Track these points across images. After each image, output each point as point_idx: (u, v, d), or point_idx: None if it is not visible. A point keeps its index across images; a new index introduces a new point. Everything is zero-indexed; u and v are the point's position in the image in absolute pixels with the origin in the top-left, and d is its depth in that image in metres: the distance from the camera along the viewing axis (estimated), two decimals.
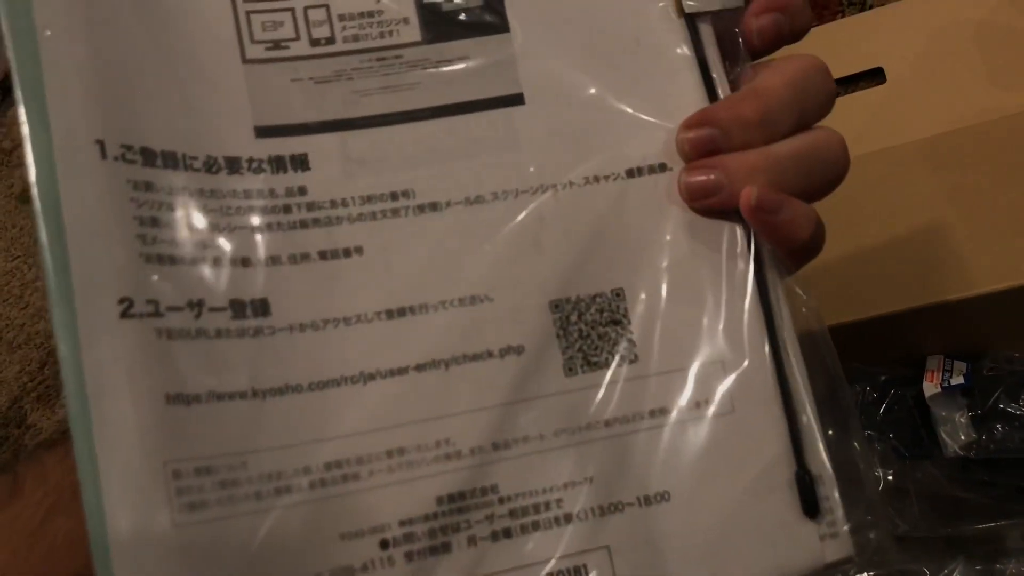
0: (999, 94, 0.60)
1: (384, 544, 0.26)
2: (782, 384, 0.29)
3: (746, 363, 0.29)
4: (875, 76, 0.65)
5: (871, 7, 0.69)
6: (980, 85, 0.61)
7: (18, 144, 1.42)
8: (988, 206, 0.56)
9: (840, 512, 0.28)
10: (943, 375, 0.53)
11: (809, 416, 0.29)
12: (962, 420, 0.52)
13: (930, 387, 0.53)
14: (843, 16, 0.69)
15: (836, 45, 0.67)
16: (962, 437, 0.52)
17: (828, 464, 0.29)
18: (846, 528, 0.28)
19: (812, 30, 0.68)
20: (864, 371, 0.56)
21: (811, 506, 0.28)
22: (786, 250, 0.29)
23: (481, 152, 0.30)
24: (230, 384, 0.26)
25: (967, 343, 0.55)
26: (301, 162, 0.29)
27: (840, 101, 0.66)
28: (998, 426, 0.51)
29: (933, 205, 0.57)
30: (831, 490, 0.29)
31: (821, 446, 0.29)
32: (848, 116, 0.65)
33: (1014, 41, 0.61)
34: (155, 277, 0.26)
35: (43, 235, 0.24)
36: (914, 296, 0.54)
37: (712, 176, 0.29)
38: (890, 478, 0.53)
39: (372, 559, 0.26)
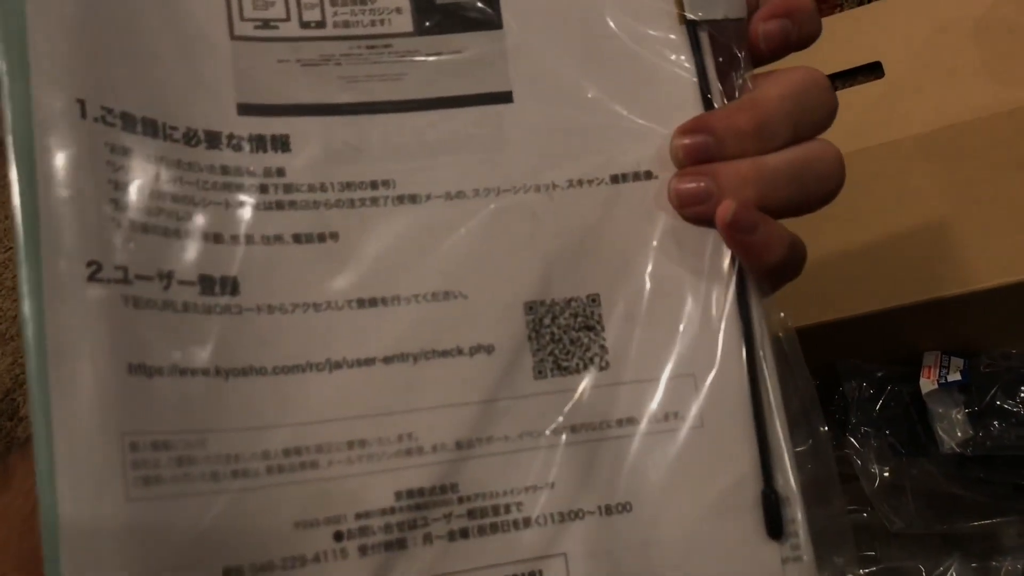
0: (998, 89, 0.60)
1: (338, 536, 0.26)
2: (755, 401, 0.28)
3: (720, 378, 0.29)
4: (873, 70, 0.65)
5: (869, 1, 0.69)
6: (979, 80, 0.61)
7: None
8: (986, 202, 0.55)
9: (805, 535, 0.28)
10: (940, 371, 0.53)
11: (779, 435, 0.28)
12: (959, 417, 0.52)
13: (927, 383, 0.53)
14: (841, 10, 0.69)
15: (834, 39, 0.67)
16: (959, 434, 0.52)
17: (796, 485, 0.28)
18: (810, 552, 0.28)
19: None
20: (861, 367, 0.56)
21: (776, 528, 0.28)
22: (758, 270, 0.29)
23: (465, 148, 0.29)
24: (193, 360, 0.25)
25: (964, 340, 0.55)
26: (282, 143, 0.28)
27: (839, 96, 0.66)
28: (995, 423, 0.51)
29: (930, 200, 0.57)
30: (797, 512, 0.28)
31: (790, 467, 0.28)
32: (846, 110, 0.64)
33: (1013, 36, 0.61)
34: (126, 243, 0.25)
35: (15, 189, 0.24)
36: (911, 292, 0.53)
37: (702, 184, 0.29)
38: (886, 474, 0.53)
39: (325, 550, 0.26)
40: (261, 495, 0.25)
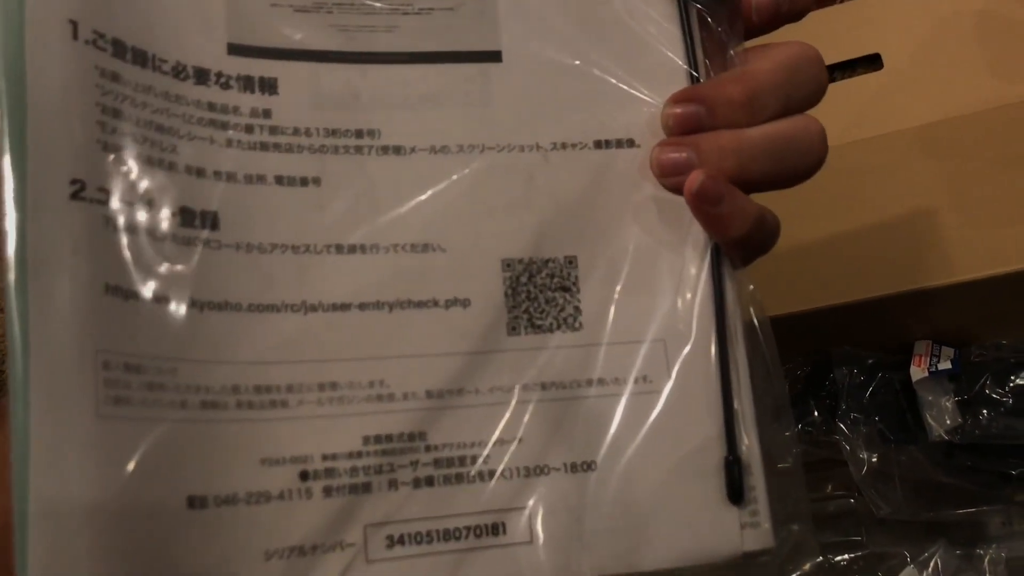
0: (997, 83, 0.60)
1: (304, 475, 0.26)
2: (722, 370, 0.29)
3: (690, 345, 0.29)
4: (873, 62, 0.65)
5: None
6: (978, 74, 0.61)
7: None
8: (982, 194, 0.56)
9: (764, 502, 0.28)
10: (931, 360, 0.54)
11: (744, 404, 0.29)
12: (948, 405, 0.53)
13: (917, 371, 0.54)
14: (842, 1, 0.69)
15: (834, 30, 0.67)
16: (947, 422, 0.52)
17: (758, 454, 0.29)
18: (768, 519, 0.28)
19: (810, 14, 0.68)
20: (853, 354, 0.56)
21: (736, 493, 0.28)
22: (723, 242, 0.30)
23: (452, 103, 0.30)
24: (169, 289, 0.26)
25: (956, 329, 0.55)
26: (270, 85, 0.29)
27: (837, 87, 0.67)
28: (984, 411, 0.52)
29: (927, 192, 0.58)
30: (758, 480, 0.29)
31: (754, 435, 0.29)
32: (845, 102, 0.65)
33: (1013, 30, 0.61)
34: (109, 166, 0.25)
35: (4, 102, 0.24)
36: (904, 281, 0.54)
37: (683, 154, 0.29)
38: (874, 461, 0.54)
39: (290, 489, 0.26)
40: (229, 428, 0.26)
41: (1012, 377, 0.52)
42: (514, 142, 0.30)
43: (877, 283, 0.54)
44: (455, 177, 0.29)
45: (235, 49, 0.28)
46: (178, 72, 0.27)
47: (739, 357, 0.29)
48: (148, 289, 0.25)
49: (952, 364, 0.53)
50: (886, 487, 0.54)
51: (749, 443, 0.29)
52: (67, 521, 0.22)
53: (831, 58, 0.67)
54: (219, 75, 0.28)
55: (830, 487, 0.58)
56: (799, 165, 0.30)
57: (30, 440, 0.22)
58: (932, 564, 0.51)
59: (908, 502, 0.54)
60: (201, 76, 0.28)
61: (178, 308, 0.26)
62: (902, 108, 0.62)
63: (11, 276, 0.23)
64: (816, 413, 0.57)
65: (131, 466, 0.24)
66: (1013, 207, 0.54)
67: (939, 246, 0.54)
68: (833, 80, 0.67)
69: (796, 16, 0.32)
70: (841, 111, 0.65)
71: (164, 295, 0.26)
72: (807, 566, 0.54)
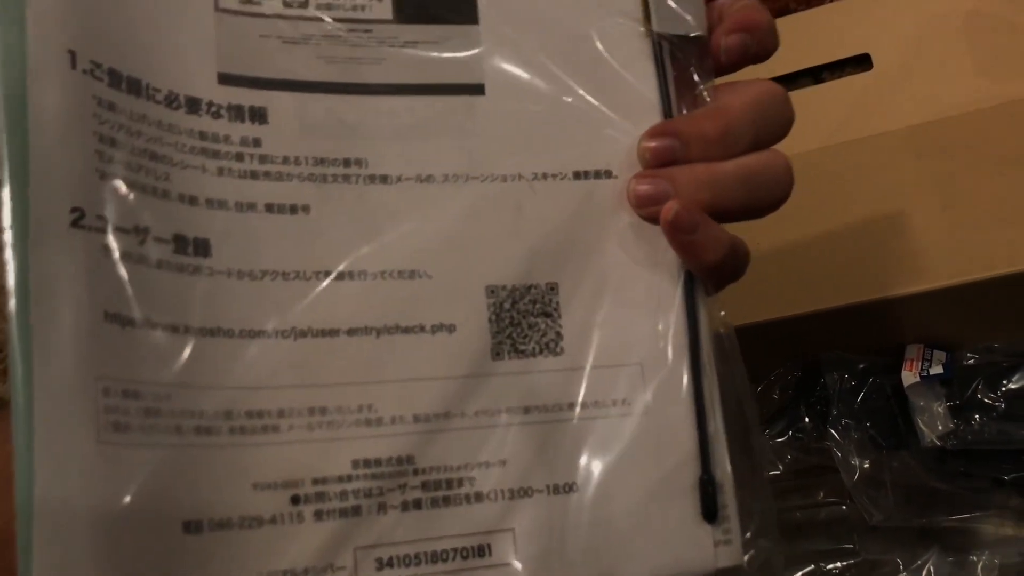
0: (986, 84, 0.60)
1: (295, 499, 0.27)
2: (696, 393, 0.30)
3: (666, 370, 0.30)
4: (862, 62, 0.65)
5: None
6: (967, 74, 0.61)
7: None
8: (971, 196, 0.55)
9: (735, 520, 0.30)
10: (922, 364, 0.53)
11: (717, 426, 0.30)
12: (940, 410, 0.52)
13: (909, 376, 0.53)
14: (831, 1, 0.68)
15: (823, 30, 0.66)
16: (939, 427, 0.52)
17: (730, 473, 0.30)
18: (739, 536, 0.30)
19: (800, 14, 0.68)
20: (843, 359, 0.56)
21: (710, 512, 0.29)
22: (697, 269, 0.31)
23: (437, 134, 0.31)
24: (164, 315, 0.26)
25: (947, 332, 0.55)
26: (259, 115, 0.29)
27: (826, 87, 0.66)
28: (976, 417, 0.51)
29: (916, 194, 0.57)
30: (730, 498, 0.30)
31: (725, 455, 0.30)
32: (833, 102, 0.65)
33: (1002, 30, 0.61)
34: (107, 195, 0.26)
35: (5, 131, 0.24)
36: (895, 285, 0.53)
37: (660, 185, 0.31)
38: (866, 467, 0.53)
39: (282, 513, 0.27)
40: (222, 453, 0.26)
41: (1004, 381, 0.51)
42: (497, 172, 0.31)
43: (867, 287, 0.54)
44: (439, 205, 0.30)
45: (225, 79, 0.29)
46: (171, 101, 0.28)
47: (711, 380, 0.31)
48: (144, 316, 0.26)
49: (944, 368, 0.52)
50: (878, 493, 0.53)
51: (722, 463, 0.30)
52: (70, 546, 0.23)
53: (820, 58, 0.66)
54: (210, 104, 0.29)
55: (822, 494, 0.58)
56: (769, 197, 0.32)
57: (34, 468, 0.23)
58: (925, 571, 0.50)
59: (900, 508, 0.53)
60: (193, 105, 0.28)
61: (173, 334, 0.26)
62: (891, 109, 0.62)
63: (12, 303, 0.23)
64: (807, 419, 0.56)
65: (130, 492, 0.24)
66: (1003, 209, 0.54)
67: (929, 249, 0.54)
68: (822, 81, 0.67)
69: (763, 58, 0.33)
70: (830, 112, 0.65)
71: (159, 322, 0.26)
72: (798, 574, 0.53)
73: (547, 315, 0.30)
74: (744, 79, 0.33)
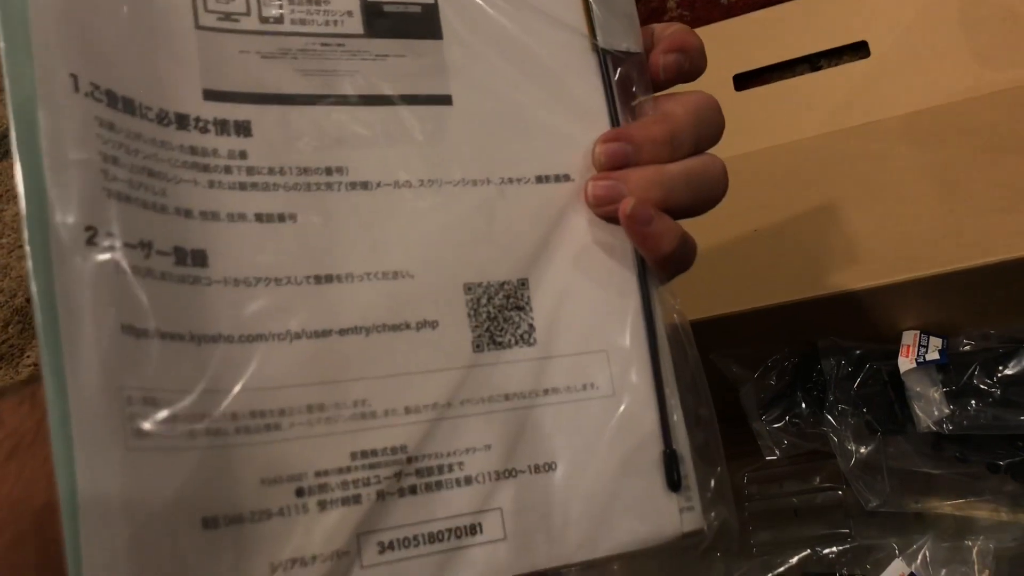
0: (983, 71, 0.60)
1: (300, 492, 0.28)
2: (655, 374, 0.33)
3: (627, 354, 0.33)
4: (859, 50, 0.65)
5: None
6: (964, 62, 0.61)
7: None
8: (968, 183, 0.56)
9: (695, 489, 0.33)
10: (918, 350, 0.53)
11: (676, 403, 0.33)
12: (936, 395, 0.52)
13: (905, 362, 0.53)
14: None
15: (821, 18, 0.67)
16: (935, 412, 0.52)
17: (688, 446, 0.33)
18: (698, 502, 0.33)
19: (798, 1, 0.68)
20: (839, 345, 0.56)
21: (674, 482, 0.32)
22: (653, 259, 0.34)
23: (411, 142, 0.32)
24: (171, 325, 0.27)
25: (944, 319, 0.55)
26: (244, 128, 0.31)
27: (823, 74, 0.67)
28: (972, 402, 0.51)
29: (911, 181, 0.57)
30: (689, 469, 0.33)
31: (683, 430, 0.33)
32: (831, 90, 0.65)
33: (999, 18, 0.61)
34: (114, 212, 0.27)
35: (19, 158, 0.25)
36: (890, 271, 0.53)
37: (614, 186, 0.33)
38: (862, 452, 0.53)
39: (288, 505, 0.28)
40: (231, 453, 0.28)
41: (1000, 367, 0.51)
42: (468, 177, 0.33)
43: (864, 273, 0.54)
44: (417, 209, 0.32)
45: (210, 95, 0.30)
46: (162, 119, 0.29)
47: (667, 362, 0.34)
48: (154, 327, 0.27)
49: (940, 355, 0.52)
50: (874, 479, 0.53)
51: (681, 437, 0.33)
52: (112, 544, 0.24)
53: (818, 46, 0.67)
54: (197, 120, 0.30)
55: (818, 479, 0.58)
56: (710, 196, 0.35)
57: (76, 475, 0.24)
58: (920, 556, 0.51)
59: (896, 494, 0.54)
60: (182, 121, 0.30)
61: (180, 343, 0.27)
62: (889, 96, 0.62)
63: (40, 321, 0.24)
64: (804, 405, 0.56)
65: (156, 494, 0.26)
66: (1000, 196, 0.54)
67: (926, 236, 0.54)
68: (819, 68, 0.67)
69: (694, 76, 0.37)
70: (828, 99, 0.65)
71: (168, 331, 0.27)
72: (793, 559, 0.54)
73: (520, 309, 0.32)
74: (682, 90, 0.36)
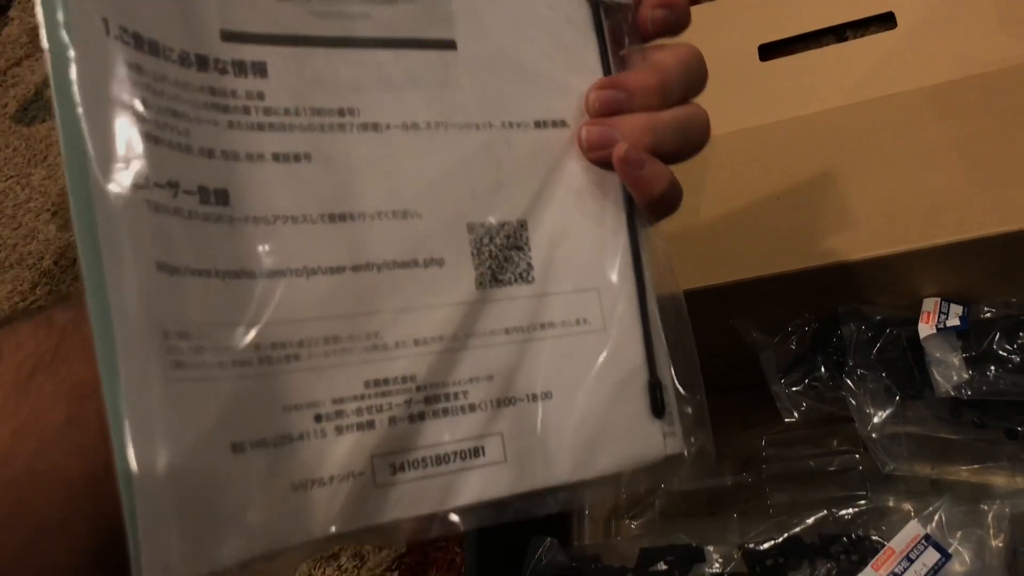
0: (1010, 43, 0.60)
1: (318, 418, 0.30)
2: (642, 310, 0.35)
3: (616, 291, 0.35)
4: (886, 21, 0.65)
5: None
6: (991, 33, 0.61)
7: (12, 63, 1.41)
8: (994, 154, 0.56)
9: (676, 416, 0.35)
10: (939, 317, 0.54)
11: (660, 337, 0.36)
12: (956, 361, 0.53)
13: (925, 328, 0.54)
14: None
15: None
16: (955, 378, 0.52)
17: (671, 377, 0.36)
18: (679, 429, 0.35)
19: None
20: (860, 311, 0.56)
21: (658, 409, 0.35)
22: (644, 201, 0.36)
23: (419, 85, 0.34)
24: (199, 262, 0.28)
25: (965, 287, 0.55)
26: (260, 69, 0.31)
27: (849, 45, 0.67)
28: (992, 368, 0.52)
29: (936, 151, 0.57)
30: (671, 398, 0.35)
31: (667, 362, 0.36)
32: (857, 61, 0.65)
33: None
34: (146, 153, 0.28)
35: (59, 103, 0.26)
36: (912, 238, 0.54)
37: (607, 132, 0.35)
38: (881, 417, 0.54)
39: (307, 430, 0.30)
40: (256, 382, 0.29)
41: (1021, 334, 0.52)
42: (471, 120, 0.34)
43: (885, 240, 0.54)
44: (424, 150, 0.33)
45: (227, 36, 0.31)
46: (183, 59, 0.30)
47: (652, 300, 0.36)
48: (185, 264, 0.28)
49: (960, 321, 0.53)
50: (892, 443, 0.54)
51: (665, 368, 0.35)
52: (158, 469, 0.26)
53: (844, 16, 0.67)
54: (216, 61, 0.30)
55: (835, 443, 0.59)
56: (697, 143, 0.37)
57: (123, 408, 0.25)
58: (936, 518, 0.51)
59: (913, 458, 0.54)
60: (202, 63, 0.30)
61: (207, 279, 0.28)
62: (915, 67, 0.62)
63: (83, 258, 0.25)
64: (823, 369, 0.57)
65: (192, 422, 0.27)
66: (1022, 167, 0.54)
67: (949, 204, 0.54)
68: (845, 39, 0.67)
69: (679, 31, 0.38)
70: (854, 70, 0.65)
71: (196, 268, 0.28)
72: (810, 520, 0.54)
73: (519, 248, 0.34)
74: (670, 42, 0.38)
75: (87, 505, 0.27)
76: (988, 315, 0.53)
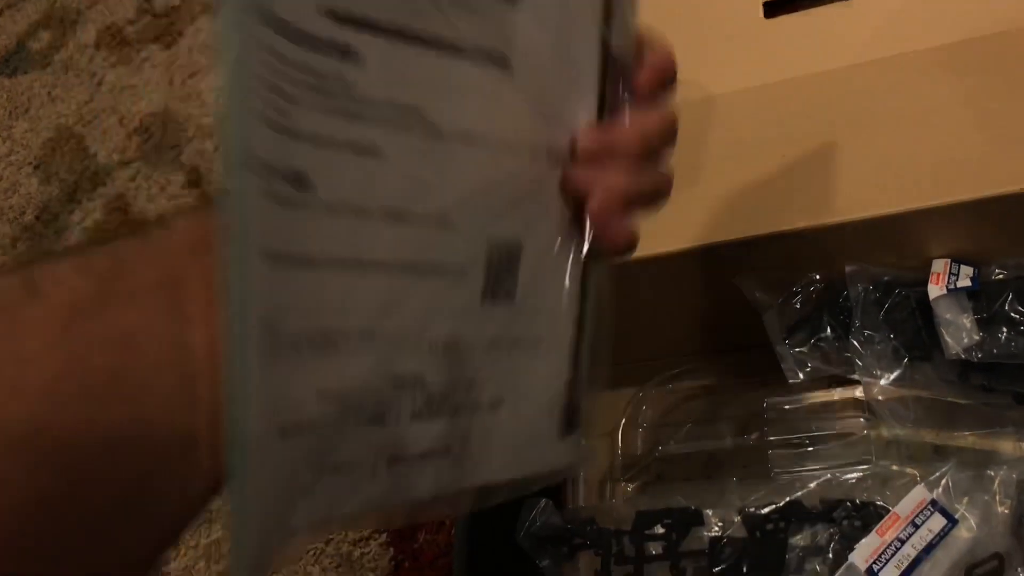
0: (1020, 2, 0.59)
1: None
2: (578, 337, 0.39)
3: (566, 316, 0.38)
4: None
5: None
6: None
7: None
8: (1006, 114, 0.55)
9: (580, 428, 0.39)
10: (949, 278, 0.53)
11: (583, 369, 0.39)
12: (966, 322, 0.51)
13: (935, 289, 0.52)
14: None
15: None
16: (965, 339, 0.51)
17: (586, 400, 0.39)
18: (582, 440, 0.40)
19: None
20: (868, 271, 0.55)
21: (572, 426, 0.39)
22: (605, 246, 0.38)
23: (477, 97, 0.34)
24: (292, 248, 0.29)
25: (975, 248, 0.54)
26: (353, 54, 0.30)
27: (859, 4, 0.65)
28: (1003, 330, 0.51)
29: (947, 110, 0.56)
30: (583, 416, 0.39)
31: (584, 389, 0.39)
32: (866, 19, 0.63)
33: None
34: (261, 138, 0.28)
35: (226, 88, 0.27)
36: (922, 196, 0.53)
37: (589, 180, 0.37)
38: (887, 378, 0.53)
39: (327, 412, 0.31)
40: (299, 364, 0.30)
41: None
42: (510, 140, 0.35)
43: (896, 199, 0.53)
44: (471, 166, 0.34)
45: (329, 13, 0.30)
46: (284, 30, 0.28)
47: (587, 345, 0.39)
48: (287, 252, 0.29)
49: (972, 282, 0.52)
50: (898, 406, 0.53)
51: (582, 390, 0.39)
52: (264, 427, 0.28)
53: None
54: (316, 39, 0.29)
55: (840, 405, 0.58)
56: (660, 204, 0.39)
57: (242, 376, 0.27)
58: (942, 484, 0.50)
59: (920, 421, 0.53)
60: (308, 42, 0.29)
61: (298, 268, 0.29)
62: (924, 26, 0.61)
63: (235, 250, 0.27)
64: (829, 329, 0.56)
65: (275, 389, 0.29)
66: None
67: (960, 163, 0.53)
68: None
69: (665, 96, 0.39)
70: (863, 28, 0.63)
71: (296, 255, 0.29)
72: (812, 484, 0.53)
73: (513, 267, 0.36)
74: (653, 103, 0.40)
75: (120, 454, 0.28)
76: (1000, 276, 0.52)
